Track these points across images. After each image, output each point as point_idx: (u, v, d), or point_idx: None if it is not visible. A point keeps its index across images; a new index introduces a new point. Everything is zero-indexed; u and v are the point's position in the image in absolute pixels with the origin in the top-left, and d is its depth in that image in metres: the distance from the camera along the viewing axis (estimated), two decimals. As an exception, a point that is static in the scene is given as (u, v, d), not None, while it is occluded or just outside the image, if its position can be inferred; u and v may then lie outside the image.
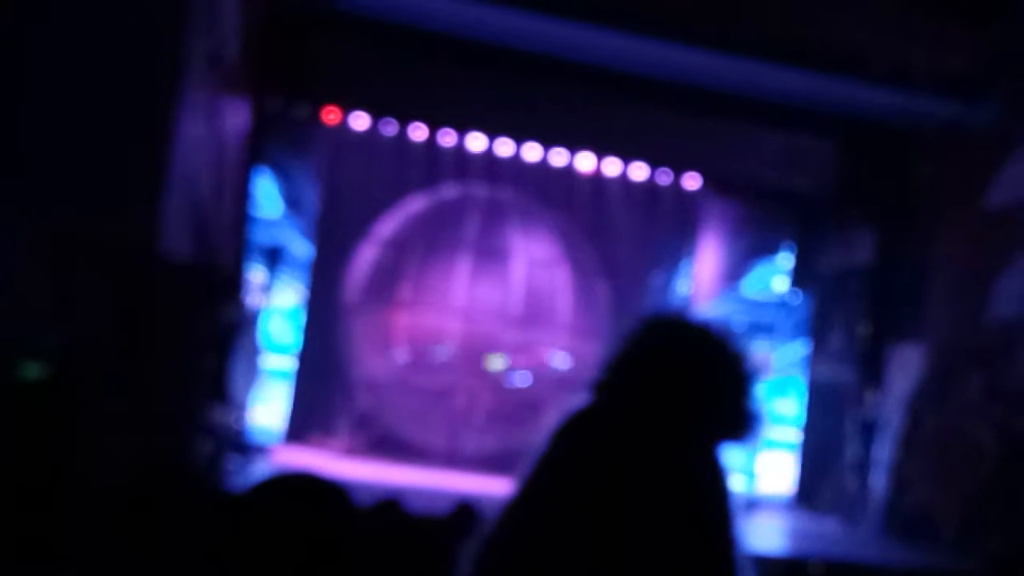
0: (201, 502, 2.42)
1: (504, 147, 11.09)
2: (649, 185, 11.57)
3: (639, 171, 11.42)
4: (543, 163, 11.28)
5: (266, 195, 9.93)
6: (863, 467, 10.10)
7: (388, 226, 12.00)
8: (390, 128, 10.88)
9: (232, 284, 8.69)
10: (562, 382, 11.68)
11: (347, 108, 10.62)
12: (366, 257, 11.94)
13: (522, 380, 11.84)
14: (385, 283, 11.94)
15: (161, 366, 6.52)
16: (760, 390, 1.77)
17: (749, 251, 12.37)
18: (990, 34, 8.99)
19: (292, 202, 10.79)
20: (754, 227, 12.27)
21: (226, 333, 8.16)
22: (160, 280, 6.43)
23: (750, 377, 1.76)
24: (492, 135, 11.01)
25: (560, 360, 11.97)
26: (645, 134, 10.64)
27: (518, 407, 11.53)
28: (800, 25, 8.73)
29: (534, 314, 12.18)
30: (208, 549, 1.82)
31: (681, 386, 1.72)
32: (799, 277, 11.80)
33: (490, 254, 12.15)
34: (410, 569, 3.11)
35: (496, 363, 11.89)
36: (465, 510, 4.90)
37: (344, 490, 1.82)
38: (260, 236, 10.02)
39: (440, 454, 11.23)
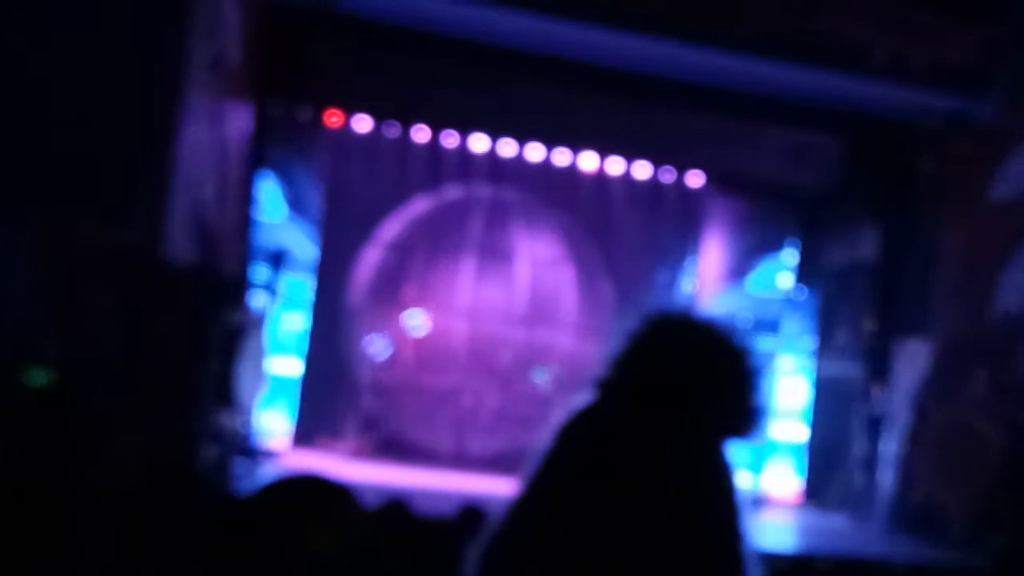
0: (208, 506, 2.42)
1: (507, 147, 11.08)
2: (652, 183, 11.56)
3: (642, 169, 11.40)
4: (546, 163, 11.27)
5: (269, 198, 9.93)
6: (870, 463, 10.08)
7: (392, 228, 12.00)
8: (393, 130, 10.87)
9: (236, 288, 8.70)
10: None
11: (349, 110, 10.62)
12: (370, 259, 11.94)
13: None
14: (390, 285, 11.94)
15: (166, 371, 6.52)
16: (765, 387, 1.77)
17: (753, 248, 12.36)
18: (991, 27, 8.98)
19: (295, 205, 10.79)
20: (758, 224, 12.25)
21: (231, 337, 8.16)
22: (164, 285, 6.43)
23: (755, 374, 1.76)
24: (495, 135, 10.99)
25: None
26: (648, 132, 10.62)
27: (524, 407, 11.53)
28: (800, 20, 8.72)
29: (539, 314, 12.17)
30: (215, 552, 1.82)
31: (685, 383, 1.71)
32: (804, 273, 11.78)
33: (494, 255, 12.13)
34: (417, 570, 3.11)
35: (540, 376, 11.92)
36: (471, 512, 4.91)
37: (351, 492, 1.82)
38: (264, 239, 10.02)
39: (447, 455, 11.24)
